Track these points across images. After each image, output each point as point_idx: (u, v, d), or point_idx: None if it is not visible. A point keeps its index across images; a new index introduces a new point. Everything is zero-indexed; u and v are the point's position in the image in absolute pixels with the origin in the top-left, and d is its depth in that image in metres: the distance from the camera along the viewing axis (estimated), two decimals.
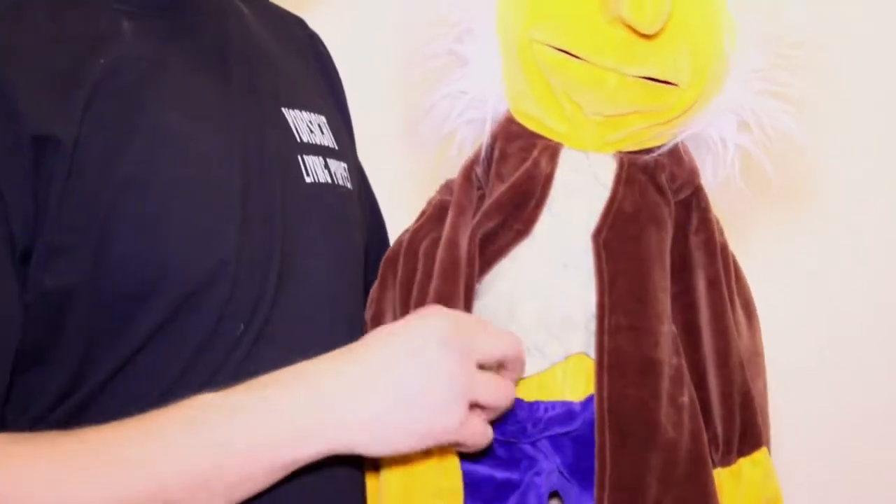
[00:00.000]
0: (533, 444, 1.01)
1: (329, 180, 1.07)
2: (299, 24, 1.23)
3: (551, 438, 1.00)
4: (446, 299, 0.97)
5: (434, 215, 1.05)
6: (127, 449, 0.86)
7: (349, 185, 1.09)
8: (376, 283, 1.07)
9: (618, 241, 0.97)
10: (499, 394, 0.94)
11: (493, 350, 0.95)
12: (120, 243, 0.90)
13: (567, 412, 0.99)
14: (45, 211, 0.89)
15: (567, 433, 0.99)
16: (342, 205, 1.08)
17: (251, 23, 1.11)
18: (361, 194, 1.17)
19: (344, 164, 1.10)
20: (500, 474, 1.01)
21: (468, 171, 1.04)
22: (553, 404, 0.99)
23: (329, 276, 1.03)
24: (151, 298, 0.92)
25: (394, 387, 0.90)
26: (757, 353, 1.06)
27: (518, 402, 0.98)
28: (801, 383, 1.43)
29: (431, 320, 0.93)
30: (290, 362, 0.92)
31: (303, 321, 0.99)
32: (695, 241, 1.02)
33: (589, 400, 0.98)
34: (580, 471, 0.99)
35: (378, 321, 1.04)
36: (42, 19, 0.93)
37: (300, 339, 0.96)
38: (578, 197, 0.99)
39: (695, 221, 1.02)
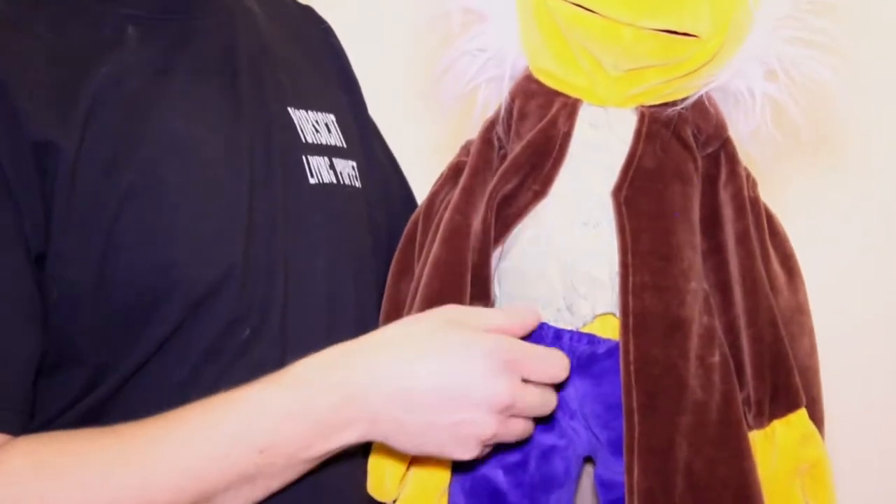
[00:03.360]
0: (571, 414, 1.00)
1: (334, 180, 1.06)
2: (310, 14, 1.21)
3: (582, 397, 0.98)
4: (443, 267, 0.95)
5: (450, 177, 1.03)
6: (158, 444, 0.87)
7: (357, 184, 1.09)
8: (399, 246, 1.06)
9: (639, 197, 0.94)
10: (542, 407, 0.93)
11: (540, 373, 0.92)
12: (126, 252, 0.90)
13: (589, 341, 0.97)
14: (51, 219, 0.88)
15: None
16: (348, 204, 1.07)
17: (260, 20, 1.10)
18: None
19: (352, 163, 1.09)
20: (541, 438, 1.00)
21: (487, 132, 1.01)
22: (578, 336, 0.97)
23: (333, 277, 1.03)
24: (160, 306, 0.92)
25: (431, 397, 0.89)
26: (800, 310, 1.02)
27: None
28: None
29: (478, 343, 0.89)
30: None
31: (308, 323, 0.99)
32: (724, 196, 0.99)
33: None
34: (610, 434, 0.97)
35: (398, 280, 1.03)
36: (44, 28, 0.93)
37: (305, 342, 0.95)
38: (598, 154, 0.96)
39: (724, 176, 0.99)
